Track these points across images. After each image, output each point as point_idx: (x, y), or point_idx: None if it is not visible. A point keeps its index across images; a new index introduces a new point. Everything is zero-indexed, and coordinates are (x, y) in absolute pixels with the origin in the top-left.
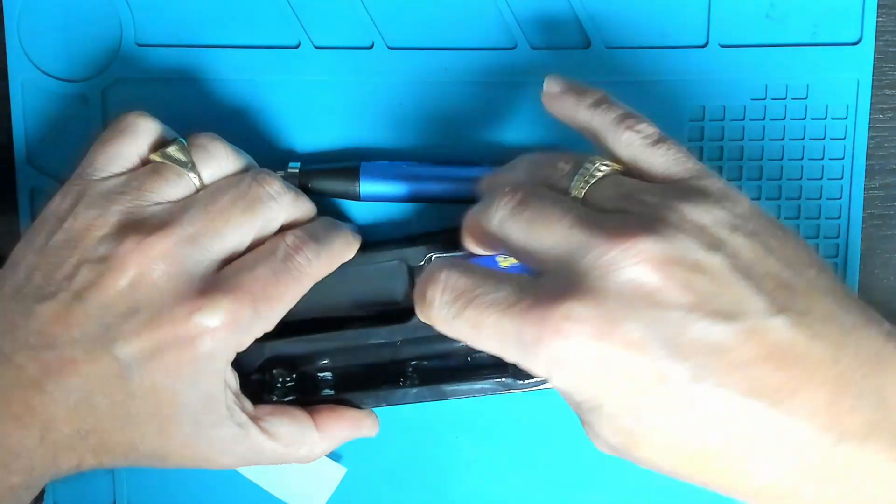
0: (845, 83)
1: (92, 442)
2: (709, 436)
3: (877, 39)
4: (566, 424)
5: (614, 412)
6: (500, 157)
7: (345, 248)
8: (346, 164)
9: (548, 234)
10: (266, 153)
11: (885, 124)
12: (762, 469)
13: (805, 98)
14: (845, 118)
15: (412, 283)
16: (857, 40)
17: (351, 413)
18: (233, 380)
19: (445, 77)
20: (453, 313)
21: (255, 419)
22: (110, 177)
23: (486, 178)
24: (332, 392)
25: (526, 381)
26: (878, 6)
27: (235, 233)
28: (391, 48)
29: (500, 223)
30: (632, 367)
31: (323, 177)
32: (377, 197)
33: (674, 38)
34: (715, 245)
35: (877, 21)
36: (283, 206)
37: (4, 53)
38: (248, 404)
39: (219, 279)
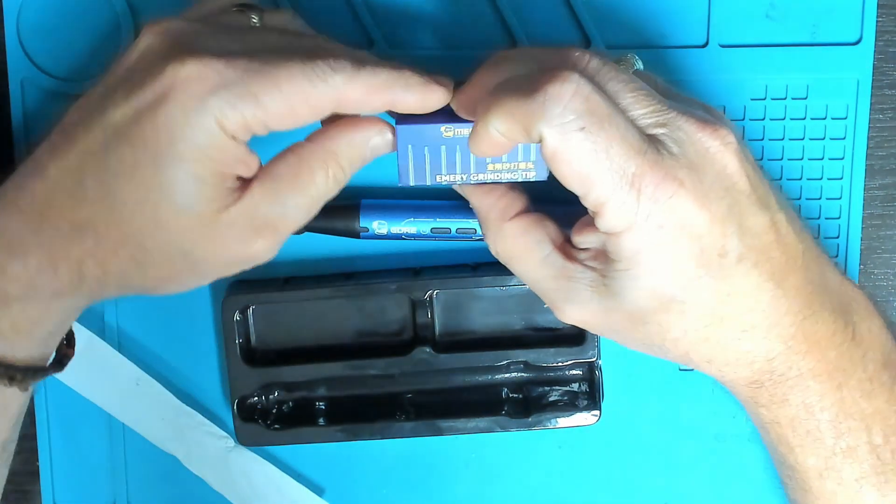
0: (845, 83)
1: (87, 242)
2: (726, 309)
3: (877, 39)
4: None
5: (669, 279)
6: None
7: (404, 90)
8: (346, 202)
9: (637, 106)
10: (267, 154)
11: (885, 124)
12: (749, 339)
13: (805, 98)
14: (845, 118)
15: (414, 316)
16: (857, 40)
17: (350, 118)
18: (228, 154)
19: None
20: (579, 126)
21: (253, 183)
22: None
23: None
24: (326, 421)
25: (521, 422)
26: (878, 6)
27: (259, 40)
28: (392, 48)
29: (595, 70)
30: (707, 239)
31: (322, 215)
32: (377, 235)
33: (674, 37)
34: (744, 145)
35: (877, 21)
36: (328, 44)
37: (4, 52)
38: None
39: (213, 46)
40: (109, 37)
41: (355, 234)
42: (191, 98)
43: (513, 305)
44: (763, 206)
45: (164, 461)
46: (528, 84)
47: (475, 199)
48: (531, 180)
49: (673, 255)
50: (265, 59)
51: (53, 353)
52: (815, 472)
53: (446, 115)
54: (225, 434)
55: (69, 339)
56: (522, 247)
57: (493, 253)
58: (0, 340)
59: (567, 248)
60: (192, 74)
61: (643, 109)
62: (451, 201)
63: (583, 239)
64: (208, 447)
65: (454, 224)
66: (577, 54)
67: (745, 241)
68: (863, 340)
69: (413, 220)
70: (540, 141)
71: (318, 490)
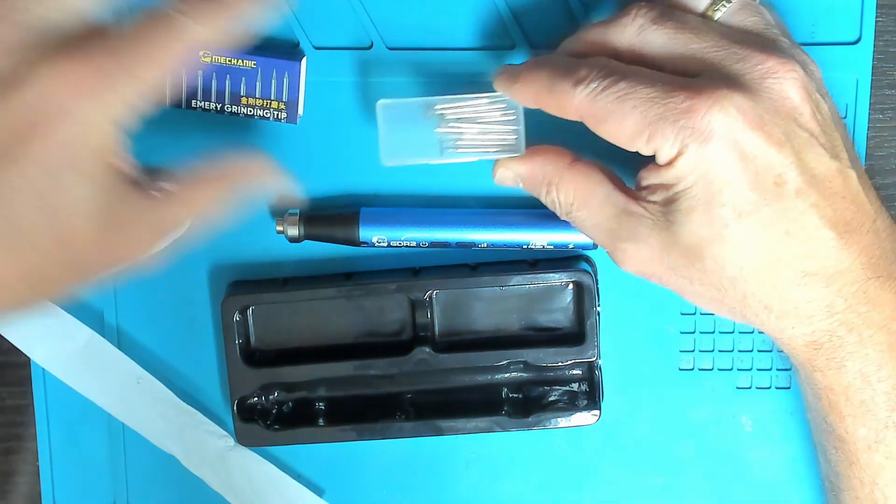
0: (844, 83)
1: None
2: (784, 248)
3: (876, 39)
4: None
5: (723, 202)
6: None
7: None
8: (345, 210)
9: (696, 41)
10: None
11: (885, 124)
12: (808, 286)
13: None
14: (844, 118)
15: (413, 317)
16: (856, 40)
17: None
18: (113, 144)
19: (445, 77)
20: (603, 86)
21: (158, 195)
22: None
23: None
24: (326, 421)
25: (520, 421)
26: (878, 6)
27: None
28: (391, 48)
29: (639, 30)
30: (763, 163)
31: (322, 224)
32: (377, 246)
33: None
34: (823, 95)
35: (876, 21)
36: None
37: None
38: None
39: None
40: None
41: (355, 244)
42: (79, 102)
43: (512, 305)
44: (831, 153)
45: (164, 461)
46: (565, 70)
47: (526, 164)
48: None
49: (726, 173)
50: (121, 32)
51: None
52: (864, 443)
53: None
54: (225, 433)
55: None
56: (585, 188)
57: (554, 206)
58: None
59: (626, 188)
60: (73, 77)
61: (690, 49)
62: (450, 209)
63: (648, 175)
64: (208, 446)
65: (454, 238)
66: (631, 12)
67: (805, 177)
68: None
69: (412, 236)
70: (580, 119)
71: (317, 490)
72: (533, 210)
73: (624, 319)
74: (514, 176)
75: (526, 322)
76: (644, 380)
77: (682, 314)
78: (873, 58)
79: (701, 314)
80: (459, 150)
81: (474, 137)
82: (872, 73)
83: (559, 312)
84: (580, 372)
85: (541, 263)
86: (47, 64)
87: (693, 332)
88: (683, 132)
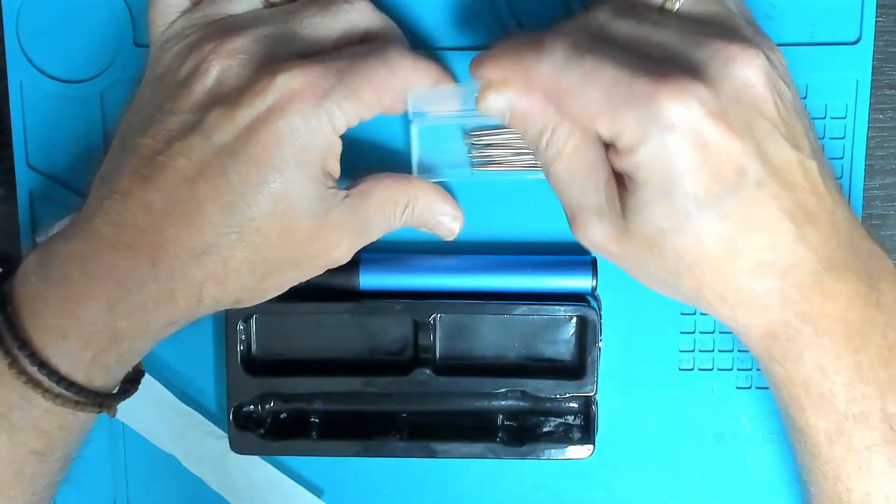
0: (844, 82)
1: (210, 266)
2: (744, 239)
3: (876, 39)
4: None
5: (685, 193)
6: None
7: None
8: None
9: (656, 33)
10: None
11: (885, 124)
12: (764, 277)
13: (804, 97)
14: (844, 118)
15: (416, 338)
16: (856, 40)
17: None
18: (334, 152)
19: None
20: (568, 56)
21: (352, 192)
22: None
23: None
24: (320, 434)
25: (514, 450)
26: (878, 6)
27: (313, 31)
28: None
29: (605, 20)
30: (724, 154)
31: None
32: (377, 290)
33: None
34: (788, 84)
35: (876, 21)
36: (360, 10)
37: (3, 54)
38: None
39: (287, 52)
40: (109, 39)
41: (354, 292)
42: (309, 106)
43: (515, 334)
44: (792, 143)
45: (164, 461)
46: (531, 42)
47: (527, 98)
48: None
49: (688, 165)
50: (348, 54)
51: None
52: (825, 435)
53: None
54: (224, 434)
55: None
56: (582, 144)
57: (541, 149)
58: (103, 373)
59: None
60: (305, 84)
61: (651, 40)
62: (453, 255)
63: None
64: (208, 447)
65: (458, 285)
66: (585, 19)
67: (767, 168)
68: (887, 308)
69: (414, 283)
70: (546, 95)
71: (316, 491)
72: (539, 256)
73: (624, 319)
74: (504, 107)
75: (527, 352)
76: (644, 380)
77: (682, 314)
78: (873, 58)
79: (701, 314)
80: (490, 168)
81: (505, 158)
82: (872, 73)
83: (561, 345)
84: (576, 405)
85: (547, 295)
86: (286, 73)
87: (693, 332)
88: (645, 120)
